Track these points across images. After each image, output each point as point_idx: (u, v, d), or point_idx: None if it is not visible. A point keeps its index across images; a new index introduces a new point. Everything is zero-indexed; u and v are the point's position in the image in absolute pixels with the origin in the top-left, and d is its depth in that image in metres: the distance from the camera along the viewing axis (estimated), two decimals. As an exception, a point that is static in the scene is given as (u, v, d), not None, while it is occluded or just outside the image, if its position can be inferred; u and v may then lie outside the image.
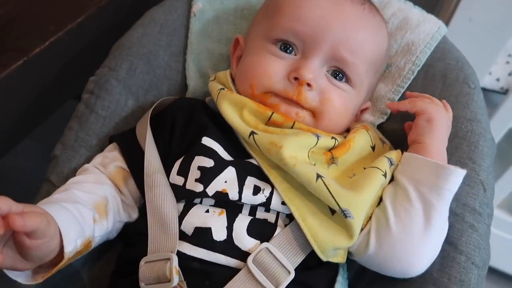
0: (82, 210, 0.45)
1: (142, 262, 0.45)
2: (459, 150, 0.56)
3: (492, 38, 0.81)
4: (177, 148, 0.51)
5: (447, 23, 0.81)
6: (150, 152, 0.51)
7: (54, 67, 0.70)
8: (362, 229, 0.49)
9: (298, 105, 0.51)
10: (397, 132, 0.60)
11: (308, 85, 0.51)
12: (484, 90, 0.94)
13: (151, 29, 0.62)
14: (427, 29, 0.64)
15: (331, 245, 0.46)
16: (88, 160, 0.55)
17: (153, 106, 0.55)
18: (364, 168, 0.52)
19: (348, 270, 0.55)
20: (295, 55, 0.53)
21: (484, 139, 0.57)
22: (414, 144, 0.53)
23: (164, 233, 0.46)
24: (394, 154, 0.53)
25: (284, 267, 0.45)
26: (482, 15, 0.79)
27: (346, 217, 0.45)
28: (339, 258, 0.50)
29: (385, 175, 0.50)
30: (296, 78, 0.51)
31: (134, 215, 0.52)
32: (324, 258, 0.47)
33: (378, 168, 0.50)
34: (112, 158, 0.53)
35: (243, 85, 0.53)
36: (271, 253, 0.45)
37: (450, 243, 0.52)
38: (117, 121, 0.58)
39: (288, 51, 0.53)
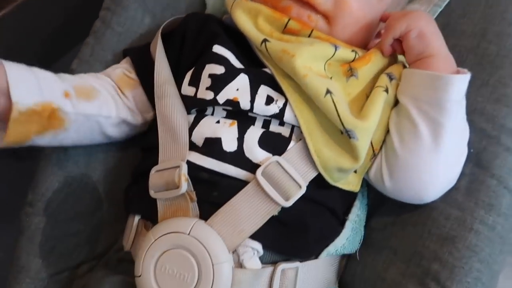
0: (49, 78, 0.44)
1: (152, 171, 0.45)
2: (500, 69, 0.51)
3: None
4: (188, 58, 0.50)
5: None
6: (161, 62, 0.50)
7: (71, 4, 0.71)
8: (375, 154, 0.46)
9: (311, 7, 0.48)
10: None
11: None
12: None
13: None
14: None
15: (334, 164, 0.44)
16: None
17: (168, 21, 0.54)
18: (386, 89, 0.47)
19: (368, 197, 0.52)
20: None
21: (530, 58, 0.50)
22: (417, 61, 0.47)
23: (174, 142, 0.45)
24: (394, 68, 0.48)
25: (295, 181, 0.43)
26: None
27: (350, 137, 0.43)
28: (350, 185, 0.47)
29: (386, 91, 0.46)
30: None
31: (139, 119, 0.51)
32: (329, 179, 0.44)
33: (379, 86, 0.46)
34: (121, 67, 0.53)
35: None
36: (281, 166, 0.43)
37: (480, 166, 0.47)
38: (133, 37, 0.57)
39: None
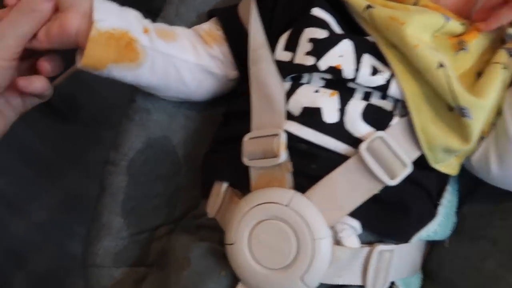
0: (131, 12, 0.46)
1: (246, 138, 0.43)
2: None
3: None
4: (281, 20, 0.48)
5: None
6: (255, 25, 0.47)
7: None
8: (482, 138, 0.43)
9: None
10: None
11: None
12: None
13: None
14: None
15: (441, 143, 0.41)
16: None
17: None
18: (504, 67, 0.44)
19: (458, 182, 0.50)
20: None
21: None
22: None
23: (269, 109, 0.43)
24: None
25: (400, 159, 0.41)
26: None
27: (463, 116, 0.40)
28: (450, 169, 0.44)
29: (505, 68, 0.43)
30: None
31: (222, 71, 0.50)
32: (431, 160, 0.42)
33: (497, 62, 0.43)
34: (209, 24, 0.52)
35: None
36: (386, 142, 0.41)
37: None
38: (219, -2, 0.56)
39: None
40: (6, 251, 1.09)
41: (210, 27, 0.52)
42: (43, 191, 1.13)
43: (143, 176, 0.51)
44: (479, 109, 0.40)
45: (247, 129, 0.44)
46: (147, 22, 0.47)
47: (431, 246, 0.50)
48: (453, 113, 0.41)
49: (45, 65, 0.44)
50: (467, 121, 0.40)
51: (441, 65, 0.40)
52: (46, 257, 1.08)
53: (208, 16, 0.54)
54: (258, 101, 0.44)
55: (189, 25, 0.54)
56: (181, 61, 0.48)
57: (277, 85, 0.44)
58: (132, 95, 0.52)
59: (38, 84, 0.44)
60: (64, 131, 1.22)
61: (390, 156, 0.40)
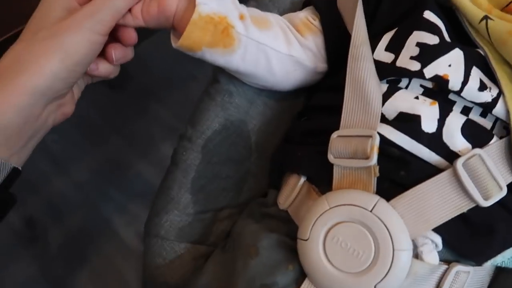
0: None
1: (334, 135, 0.42)
2: None
3: None
4: (387, 17, 0.46)
5: None
6: (359, 20, 0.46)
7: None
8: None
9: None
10: None
11: None
12: None
13: None
14: None
15: None
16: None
17: None
18: None
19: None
20: None
21: None
22: None
23: (363, 109, 0.42)
24: None
25: (496, 180, 0.39)
26: None
27: None
28: None
29: None
30: None
31: (313, 63, 0.49)
32: None
33: None
34: (304, 12, 0.51)
35: None
36: (484, 161, 0.39)
37: None
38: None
39: None
40: (46, 204, 1.14)
41: (307, 16, 0.51)
42: (86, 153, 1.18)
43: (216, 157, 0.51)
44: None
45: (334, 126, 0.43)
46: (242, 8, 0.47)
47: (497, 272, 0.48)
48: None
49: (114, 53, 0.43)
50: None
51: None
52: (81, 216, 1.12)
53: (304, 4, 0.53)
54: (352, 99, 0.43)
55: (283, 11, 0.54)
56: (273, 50, 0.47)
57: (376, 86, 0.43)
58: (215, 76, 0.52)
59: (104, 69, 0.44)
60: (113, 99, 1.26)
61: (486, 176, 0.39)
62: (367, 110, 0.42)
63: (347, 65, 0.44)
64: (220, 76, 0.52)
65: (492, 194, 0.39)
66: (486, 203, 0.38)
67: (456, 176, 0.39)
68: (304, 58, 0.49)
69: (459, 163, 0.39)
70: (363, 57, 0.44)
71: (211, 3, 0.44)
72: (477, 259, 0.42)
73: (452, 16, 0.45)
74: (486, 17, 0.42)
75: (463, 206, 0.39)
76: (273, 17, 0.50)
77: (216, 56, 0.46)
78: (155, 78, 1.31)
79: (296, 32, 0.50)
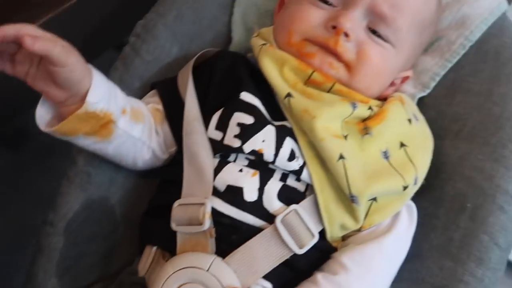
0: (118, 91, 0.50)
1: (175, 204, 0.48)
2: (501, 130, 0.56)
3: None
4: (214, 99, 0.53)
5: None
6: (191, 99, 0.53)
7: (105, 9, 0.75)
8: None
9: (334, 55, 0.52)
10: (437, 107, 0.60)
11: (346, 35, 0.51)
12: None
13: (201, -21, 0.65)
14: (486, 3, 0.62)
15: (340, 220, 0.48)
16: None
17: (197, 56, 0.58)
18: (401, 144, 0.52)
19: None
20: (335, 6, 0.53)
21: (530, 123, 0.56)
22: None
23: (199, 179, 0.49)
24: (421, 176, 0.52)
25: (309, 230, 0.47)
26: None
27: (352, 202, 0.47)
28: (336, 243, 0.51)
29: (405, 188, 0.50)
30: (334, 27, 0.51)
31: (165, 153, 0.55)
32: (328, 233, 0.49)
33: (401, 177, 0.50)
34: (152, 101, 0.57)
35: (281, 33, 0.54)
36: (299, 215, 0.47)
37: (475, 221, 0.52)
38: (161, 66, 0.61)
39: (328, 3, 0.53)
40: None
41: (154, 103, 0.56)
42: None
43: (80, 236, 0.55)
44: (365, 196, 0.48)
45: (179, 197, 0.49)
46: (126, 101, 0.52)
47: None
48: (348, 198, 0.48)
49: None
50: (355, 206, 0.47)
51: (341, 157, 0.47)
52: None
53: (151, 87, 0.59)
54: (189, 170, 0.50)
55: (132, 91, 0.59)
56: (142, 143, 0.53)
57: (208, 157, 0.49)
58: (74, 157, 0.56)
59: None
60: (14, 160, 1.22)
61: (301, 227, 0.47)
62: (202, 180, 0.49)
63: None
64: (77, 157, 0.56)
65: (306, 243, 0.47)
66: (301, 251, 0.47)
67: (277, 231, 0.46)
68: (158, 151, 0.55)
69: (278, 219, 0.47)
70: (196, 131, 0.51)
71: (102, 102, 0.47)
72: None
73: (270, 91, 0.53)
74: (288, 94, 0.50)
75: (284, 256, 0.47)
76: (144, 108, 0.55)
77: (89, 143, 0.50)
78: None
79: (154, 122, 0.55)
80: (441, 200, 0.55)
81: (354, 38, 0.52)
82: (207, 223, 0.46)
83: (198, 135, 0.50)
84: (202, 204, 0.47)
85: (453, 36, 0.62)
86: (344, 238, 0.52)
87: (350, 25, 0.51)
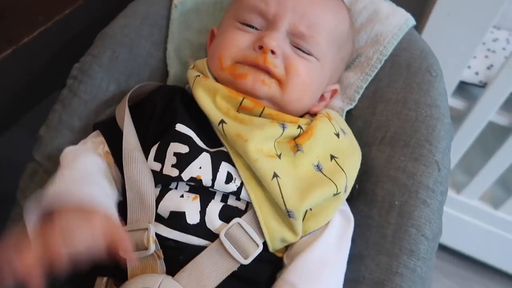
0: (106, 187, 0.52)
1: None
2: (417, 133, 0.62)
3: (471, 33, 0.86)
4: (153, 133, 0.56)
5: (427, 17, 0.87)
6: (128, 131, 0.56)
7: (42, 57, 0.77)
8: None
9: (266, 71, 0.56)
10: (363, 117, 0.66)
11: (272, 52, 0.56)
12: (464, 83, 1.00)
13: (133, 20, 0.69)
14: (395, 21, 0.70)
15: (280, 235, 0.52)
16: (70, 139, 0.61)
17: (133, 89, 0.61)
18: (331, 157, 0.57)
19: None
20: (260, 30, 0.59)
21: (442, 123, 0.62)
22: None
23: (141, 205, 0.51)
24: (350, 184, 0.57)
25: (253, 240, 0.50)
26: (460, 10, 0.84)
27: (289, 217, 0.51)
28: (280, 253, 0.55)
29: (336, 194, 0.54)
30: (260, 47, 0.56)
31: (120, 197, 0.57)
32: (270, 246, 0.52)
33: (334, 184, 0.54)
34: (99, 143, 0.58)
35: (213, 61, 0.59)
36: (242, 227, 0.51)
37: (403, 216, 0.57)
38: (99, 104, 0.64)
39: (253, 27, 0.59)
40: None
41: (101, 144, 0.57)
42: None
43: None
44: (301, 210, 0.52)
45: (125, 224, 0.51)
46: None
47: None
48: (285, 213, 0.52)
49: None
50: (292, 220, 0.51)
51: (275, 175, 0.52)
52: None
53: (93, 128, 0.61)
54: (132, 198, 0.52)
55: (71, 130, 0.62)
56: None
57: (148, 184, 0.52)
58: (17, 199, 0.57)
59: None
60: None
61: (244, 238, 0.50)
62: (144, 205, 0.51)
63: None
64: (21, 201, 0.57)
65: (250, 253, 0.50)
66: (246, 261, 0.50)
67: (221, 245, 0.49)
68: (116, 196, 0.55)
69: (222, 233, 0.50)
70: (135, 160, 0.53)
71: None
72: None
73: (206, 119, 0.57)
74: (222, 121, 0.55)
75: (231, 267, 0.50)
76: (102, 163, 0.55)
77: None
78: (11, 180, 1.26)
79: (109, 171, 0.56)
80: (374, 201, 0.60)
81: (280, 54, 0.57)
82: (152, 247, 0.48)
83: (138, 164, 0.53)
84: (146, 229, 0.49)
85: (370, 52, 0.69)
86: (287, 247, 0.55)
87: (275, 43, 0.56)
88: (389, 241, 0.57)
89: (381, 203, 0.60)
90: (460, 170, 1.17)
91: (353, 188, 0.59)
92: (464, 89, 1.02)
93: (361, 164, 0.60)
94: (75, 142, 0.61)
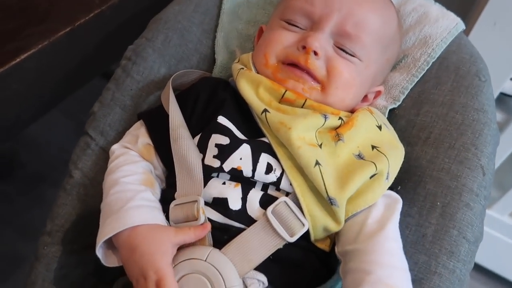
0: (146, 195, 0.54)
1: (172, 205, 0.52)
2: (463, 136, 0.62)
3: None
4: (196, 124, 0.58)
5: (472, 26, 0.87)
6: (174, 109, 0.58)
7: (96, 38, 0.80)
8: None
9: (307, 74, 0.57)
10: (406, 117, 0.67)
11: (315, 53, 0.56)
12: (505, 95, 0.99)
13: (186, 6, 0.71)
14: (445, 24, 0.70)
15: (323, 223, 0.52)
16: (122, 117, 0.64)
17: (177, 73, 0.63)
18: (372, 147, 0.57)
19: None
20: (305, 30, 0.60)
21: (489, 128, 0.62)
22: None
23: (190, 179, 0.53)
24: (392, 174, 0.56)
25: (299, 219, 0.51)
26: (506, 20, 0.84)
27: (332, 204, 0.51)
28: (324, 245, 0.56)
29: (374, 174, 0.54)
30: (304, 47, 0.57)
31: (163, 183, 0.59)
32: (312, 235, 0.53)
33: (373, 164, 0.54)
34: (138, 136, 0.60)
35: (259, 57, 0.60)
36: (288, 206, 0.52)
37: (444, 217, 0.58)
38: (150, 85, 0.66)
39: (298, 27, 0.60)
40: None
41: (142, 137, 0.59)
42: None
43: (77, 244, 0.58)
44: (343, 198, 0.52)
45: (173, 197, 0.53)
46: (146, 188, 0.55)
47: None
48: (327, 201, 0.52)
49: None
50: (335, 208, 0.52)
51: (317, 163, 0.52)
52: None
53: (138, 117, 0.63)
54: (180, 173, 0.54)
55: (124, 108, 0.65)
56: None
57: (196, 158, 0.54)
58: (70, 171, 0.60)
59: None
60: (1, 191, 1.23)
61: (290, 216, 0.51)
62: (192, 178, 0.53)
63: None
64: (74, 172, 0.60)
65: (296, 231, 0.51)
66: (292, 239, 0.51)
67: (268, 222, 0.51)
68: (160, 181, 0.58)
69: (268, 210, 0.51)
70: (181, 136, 0.55)
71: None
72: None
73: (248, 111, 0.59)
74: (265, 110, 0.56)
75: (276, 244, 0.51)
76: (141, 167, 0.57)
77: None
78: (47, 162, 1.30)
79: (152, 168, 0.58)
80: (414, 200, 0.61)
81: (323, 55, 0.58)
82: (202, 217, 0.50)
83: (184, 140, 0.55)
84: (195, 201, 0.51)
85: (418, 54, 0.70)
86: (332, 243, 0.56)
87: (319, 44, 0.57)
88: (428, 241, 0.57)
89: (422, 202, 0.60)
90: (492, 184, 1.15)
91: (394, 189, 0.59)
92: (504, 101, 1.00)
93: (403, 163, 0.60)
94: (126, 119, 0.64)
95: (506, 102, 1.02)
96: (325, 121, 0.56)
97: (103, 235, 0.49)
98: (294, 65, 0.58)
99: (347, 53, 0.59)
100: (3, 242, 1.16)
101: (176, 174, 0.54)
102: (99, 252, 0.50)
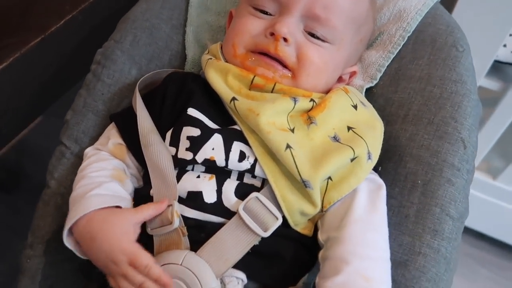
0: (112, 186, 0.54)
1: None
2: (442, 110, 0.61)
3: (506, 9, 0.81)
4: (167, 118, 0.58)
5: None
6: (142, 115, 0.58)
7: (69, 44, 0.80)
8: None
9: (277, 61, 0.56)
10: (384, 95, 0.65)
11: (285, 40, 0.55)
12: (499, 62, 0.96)
13: (153, 3, 0.70)
14: (420, -5, 0.68)
15: (298, 207, 0.52)
16: (95, 122, 0.64)
17: (143, 77, 0.63)
18: (348, 128, 0.56)
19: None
20: (273, 15, 0.58)
21: (468, 99, 0.60)
22: None
23: (164, 184, 0.53)
24: (375, 153, 0.55)
25: (272, 213, 0.51)
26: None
27: (306, 187, 0.51)
28: (307, 230, 0.55)
29: (353, 160, 0.53)
30: (272, 34, 0.56)
31: (140, 181, 0.59)
32: (290, 220, 0.52)
33: (351, 148, 0.53)
34: (109, 137, 0.60)
35: (227, 48, 0.59)
36: (260, 200, 0.51)
37: (426, 195, 0.57)
38: (122, 88, 0.66)
39: (266, 13, 0.58)
40: None
41: (114, 143, 0.59)
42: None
43: (60, 255, 0.58)
44: (317, 179, 0.51)
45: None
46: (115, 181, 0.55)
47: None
48: (301, 184, 0.52)
49: None
50: (309, 191, 0.51)
51: (288, 147, 0.52)
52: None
53: (110, 119, 0.63)
54: (155, 179, 0.54)
55: (96, 113, 0.65)
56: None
57: (168, 163, 0.54)
58: (47, 182, 0.60)
59: None
60: (9, 203, 1.25)
61: (263, 211, 0.51)
62: (166, 183, 0.53)
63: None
64: (50, 182, 0.60)
65: (270, 226, 0.51)
66: (266, 234, 0.50)
67: (241, 219, 0.50)
68: (136, 183, 0.59)
69: (240, 207, 0.51)
70: (152, 143, 0.55)
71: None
72: (281, 284, 0.52)
73: (220, 101, 0.58)
74: (233, 98, 0.55)
75: (251, 241, 0.50)
76: (111, 164, 0.57)
77: None
78: None
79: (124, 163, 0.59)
80: (396, 180, 0.59)
81: (293, 41, 0.56)
82: (176, 221, 0.50)
83: (155, 146, 0.55)
84: (170, 205, 0.51)
85: (393, 29, 0.68)
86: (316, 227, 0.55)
87: (287, 29, 0.56)
88: (411, 221, 0.56)
89: (403, 182, 0.59)
90: (496, 155, 1.13)
91: (376, 170, 0.58)
92: (499, 69, 0.97)
93: (383, 142, 0.59)
94: (100, 125, 0.64)
95: (502, 70, 0.99)
96: (295, 104, 0.55)
97: (65, 228, 0.49)
98: (263, 53, 0.57)
99: (318, 38, 0.58)
100: (14, 253, 1.18)
101: (151, 180, 0.54)
102: (70, 244, 0.51)
